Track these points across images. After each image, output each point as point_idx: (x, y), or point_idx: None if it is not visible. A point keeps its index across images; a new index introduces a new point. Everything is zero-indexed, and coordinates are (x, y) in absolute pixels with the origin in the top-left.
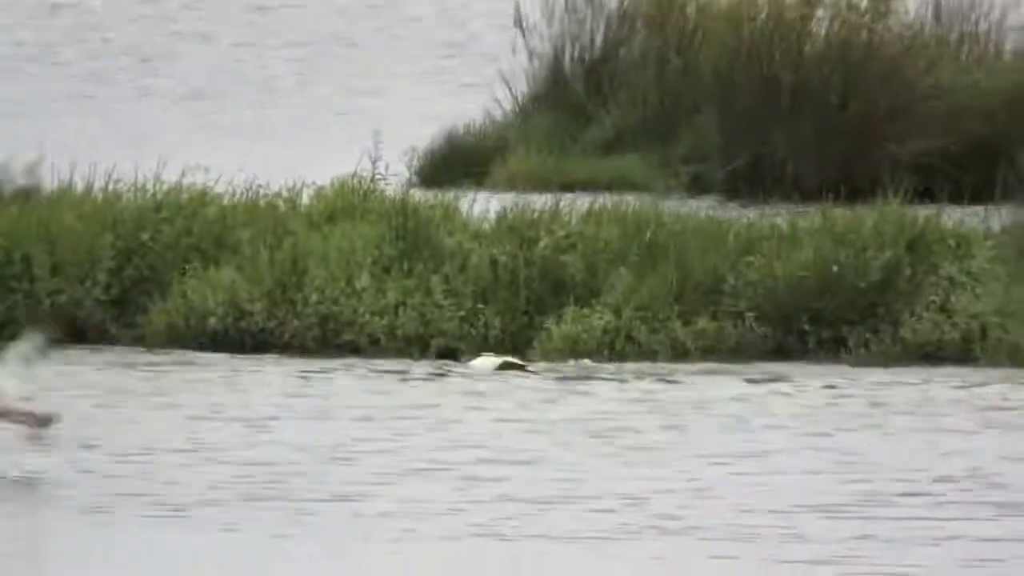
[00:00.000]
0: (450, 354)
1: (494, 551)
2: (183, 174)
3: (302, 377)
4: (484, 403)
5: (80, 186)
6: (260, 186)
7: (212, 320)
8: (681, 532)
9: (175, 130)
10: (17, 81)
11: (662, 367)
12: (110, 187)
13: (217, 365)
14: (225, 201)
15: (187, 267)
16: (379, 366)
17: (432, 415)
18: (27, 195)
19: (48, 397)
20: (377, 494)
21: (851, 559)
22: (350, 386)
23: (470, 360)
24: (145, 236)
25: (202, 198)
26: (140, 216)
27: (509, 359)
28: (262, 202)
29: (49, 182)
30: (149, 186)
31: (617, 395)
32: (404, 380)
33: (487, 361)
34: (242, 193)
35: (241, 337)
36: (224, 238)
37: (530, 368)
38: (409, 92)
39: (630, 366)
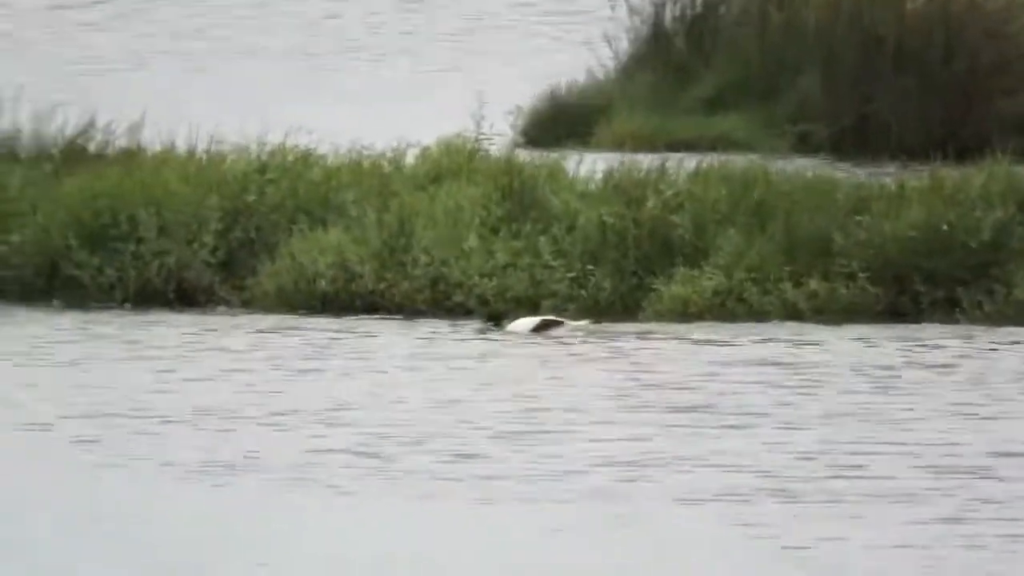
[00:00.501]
0: (496, 317)
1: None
2: (287, 135)
3: (426, 340)
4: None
5: (183, 147)
6: (364, 147)
7: (322, 282)
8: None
9: (279, 91)
10: (116, 41)
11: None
12: (213, 148)
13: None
14: (329, 162)
15: (294, 228)
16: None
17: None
18: (130, 156)
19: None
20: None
21: None
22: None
23: (510, 322)
24: (251, 198)
25: (306, 159)
26: (245, 178)
27: (547, 317)
28: (366, 163)
29: (151, 143)
30: (253, 148)
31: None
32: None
33: (525, 322)
34: (346, 154)
35: (351, 299)
36: (330, 199)
37: (568, 323)
38: (513, 51)
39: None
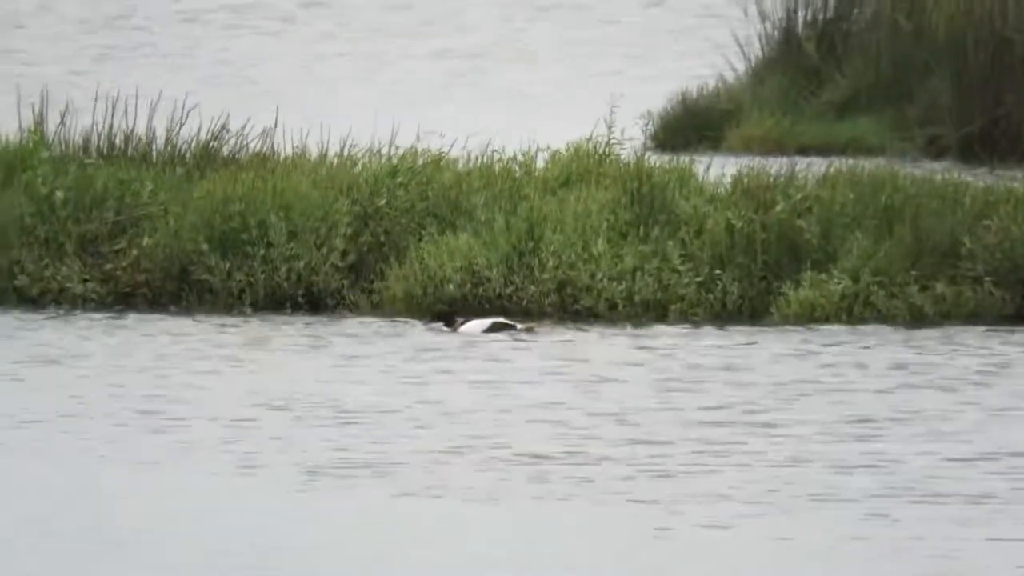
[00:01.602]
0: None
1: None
2: (418, 138)
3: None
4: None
5: (315, 151)
6: (495, 151)
7: (450, 287)
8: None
9: (411, 94)
10: (253, 42)
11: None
12: (345, 152)
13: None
14: (460, 166)
15: (423, 232)
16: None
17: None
18: (263, 160)
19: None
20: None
21: None
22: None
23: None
24: (381, 201)
25: (437, 163)
26: (375, 181)
27: (499, 320)
28: (497, 167)
29: (283, 147)
30: (384, 151)
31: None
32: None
33: (478, 323)
34: (477, 158)
35: (479, 303)
36: (459, 203)
37: (520, 326)
38: (644, 55)
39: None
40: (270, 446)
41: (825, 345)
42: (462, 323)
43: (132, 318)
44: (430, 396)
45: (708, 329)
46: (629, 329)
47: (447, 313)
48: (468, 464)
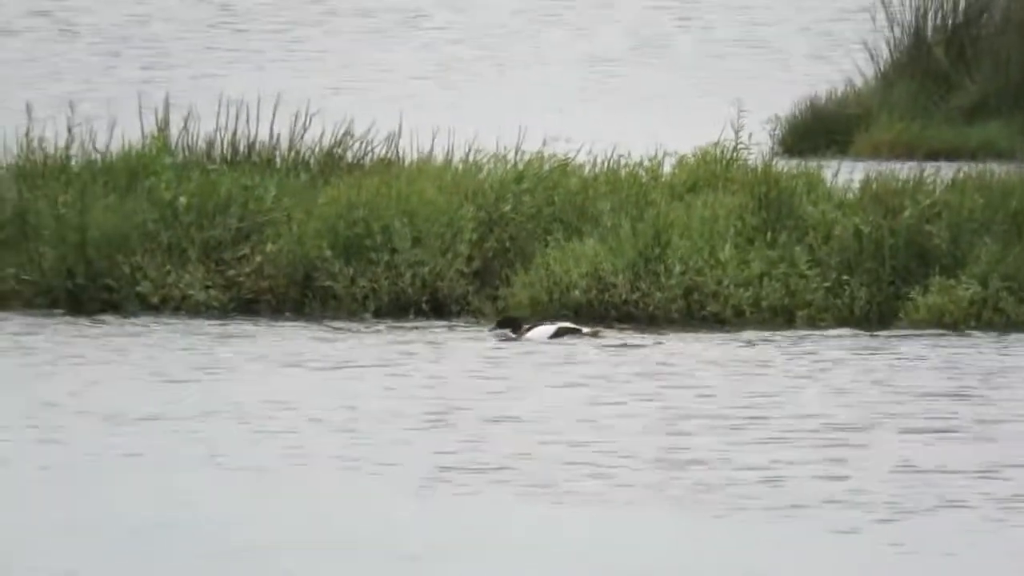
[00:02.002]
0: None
1: None
2: (544, 144)
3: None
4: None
5: (440, 156)
6: (621, 156)
7: (576, 293)
8: None
9: (539, 98)
10: (380, 45)
11: None
12: (471, 157)
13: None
14: (586, 171)
15: (549, 238)
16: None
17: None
18: (387, 166)
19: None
20: None
21: None
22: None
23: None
24: (506, 207)
25: (563, 168)
26: (501, 187)
27: (565, 324)
28: (623, 172)
29: (408, 152)
30: (510, 156)
31: None
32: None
33: (544, 329)
34: (603, 163)
35: (605, 309)
36: (586, 209)
37: (586, 331)
38: (770, 59)
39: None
40: (406, 450)
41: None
42: (527, 329)
43: (262, 323)
44: (573, 401)
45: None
46: (711, 333)
47: (512, 319)
48: (631, 472)
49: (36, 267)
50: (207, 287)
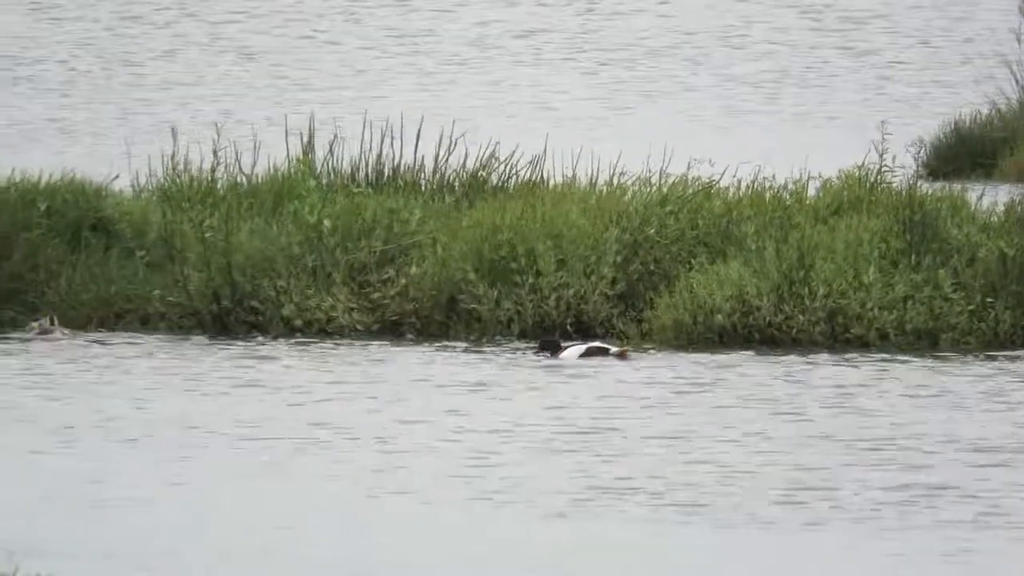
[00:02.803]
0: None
1: None
2: (688, 167)
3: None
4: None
5: (584, 179)
6: (766, 178)
7: (719, 316)
8: None
9: (681, 123)
10: (530, 66)
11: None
12: (615, 180)
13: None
14: (731, 194)
15: (693, 261)
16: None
17: None
18: (532, 189)
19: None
20: None
21: None
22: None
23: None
24: (651, 230)
25: (707, 191)
26: (646, 210)
27: (595, 344)
28: (768, 194)
29: (553, 175)
30: (654, 179)
31: None
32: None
33: (575, 349)
34: (748, 185)
35: (748, 332)
36: (730, 231)
37: (614, 350)
38: (912, 82)
39: None
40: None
41: None
42: (563, 350)
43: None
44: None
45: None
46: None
47: (552, 342)
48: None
49: (182, 289)
50: (351, 310)
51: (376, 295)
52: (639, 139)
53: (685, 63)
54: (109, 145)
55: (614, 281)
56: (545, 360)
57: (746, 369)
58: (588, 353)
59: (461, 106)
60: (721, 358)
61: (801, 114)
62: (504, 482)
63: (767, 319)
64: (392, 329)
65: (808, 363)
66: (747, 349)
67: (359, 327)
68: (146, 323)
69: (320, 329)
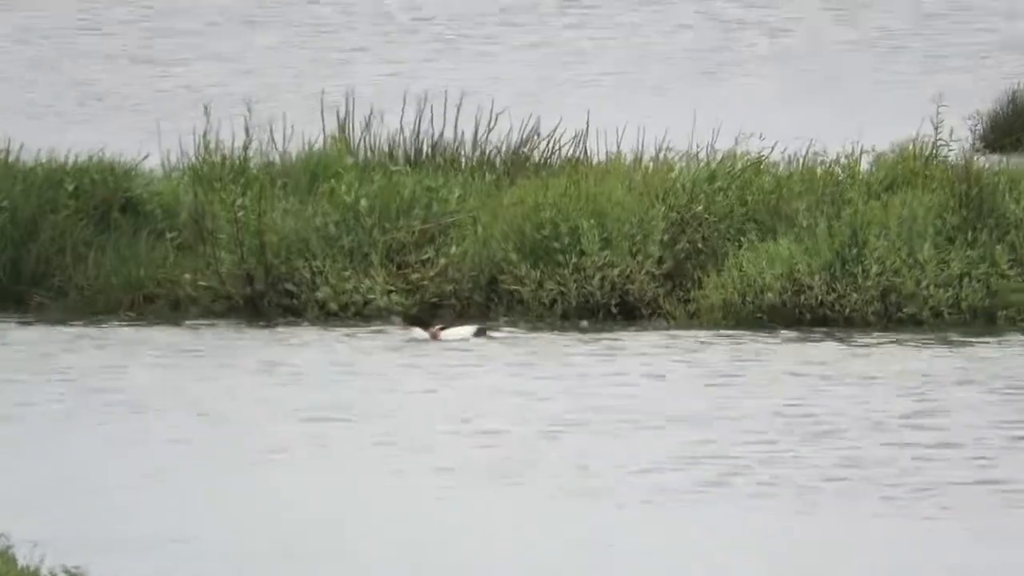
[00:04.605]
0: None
1: None
2: (736, 141)
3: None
4: None
5: (629, 155)
6: (817, 153)
7: (769, 295)
8: None
9: (729, 95)
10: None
11: None
12: (661, 156)
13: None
14: (781, 169)
15: (742, 239)
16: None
17: None
18: (575, 166)
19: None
20: None
21: None
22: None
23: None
24: (698, 207)
25: (757, 166)
26: (693, 186)
27: (481, 325)
28: (819, 170)
29: (596, 151)
30: (702, 155)
31: None
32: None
33: (462, 330)
34: (799, 160)
35: (799, 312)
36: (780, 208)
37: (493, 334)
38: (966, 52)
39: None
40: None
41: None
42: (441, 329)
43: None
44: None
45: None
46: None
47: (420, 318)
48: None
49: (213, 272)
50: (389, 291)
51: (415, 276)
52: (685, 113)
53: (731, 32)
54: (140, 122)
55: (660, 260)
56: (415, 338)
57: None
58: (480, 334)
59: (501, 81)
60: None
61: (854, 86)
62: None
63: (818, 298)
64: (431, 311)
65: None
66: (796, 328)
67: (397, 310)
68: (177, 308)
69: (356, 312)
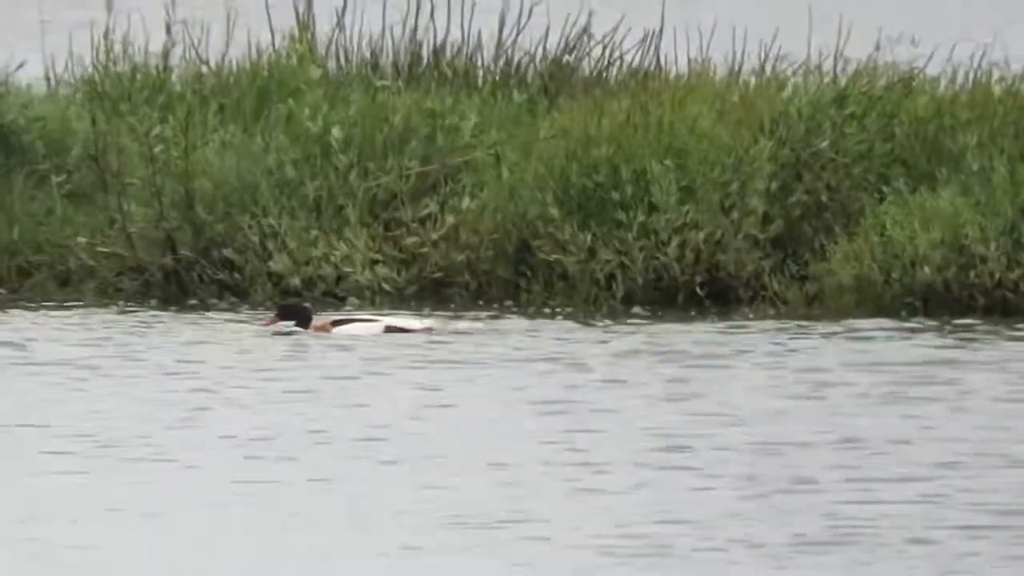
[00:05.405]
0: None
1: None
2: (877, 48)
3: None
4: None
5: (720, 67)
6: (994, 64)
7: (925, 270)
8: None
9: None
10: None
11: None
12: (766, 69)
13: None
14: (941, 88)
15: (885, 189)
16: None
17: None
18: (643, 81)
19: None
20: None
21: None
22: None
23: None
24: (821, 143)
25: (907, 85)
26: (814, 113)
27: (391, 321)
28: (996, 89)
29: (673, 60)
30: (826, 66)
31: None
32: None
33: (365, 326)
34: (966, 75)
35: (968, 294)
36: (940, 144)
37: (419, 326)
38: None
39: None
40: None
41: None
42: (335, 324)
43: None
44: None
45: None
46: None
47: (293, 308)
48: None
49: (120, 235)
50: (373, 262)
51: (410, 241)
52: (800, 7)
53: None
54: (15, 13)
55: (766, 219)
56: (289, 332)
57: None
58: (388, 331)
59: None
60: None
61: None
62: None
63: (995, 275)
64: (434, 291)
65: None
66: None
67: (387, 287)
68: (66, 284)
69: (327, 291)
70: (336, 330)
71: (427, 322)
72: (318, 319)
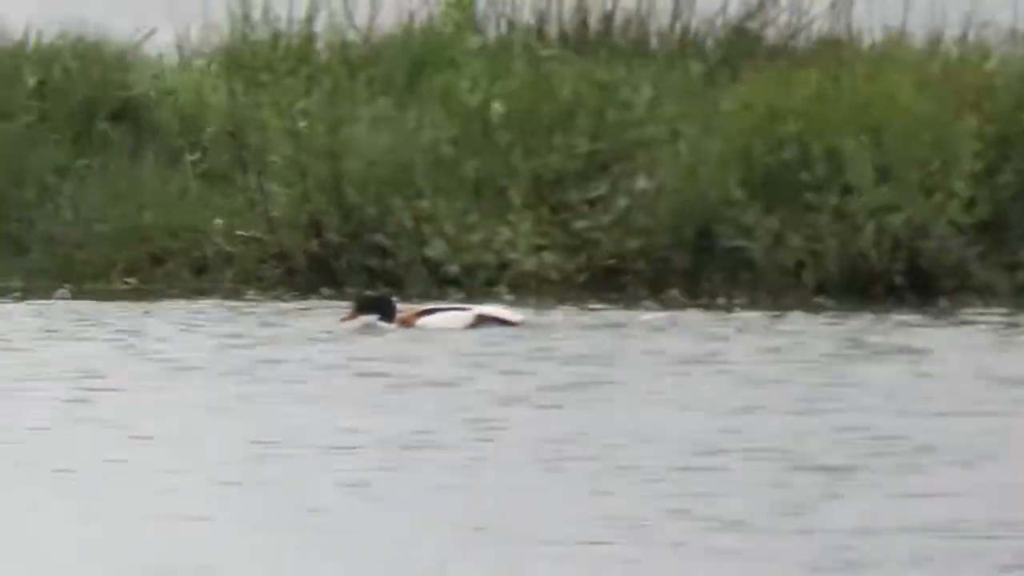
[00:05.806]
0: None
1: None
2: None
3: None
4: None
5: (920, 34)
6: None
7: None
8: None
9: None
10: None
11: None
12: (971, 35)
13: None
14: None
15: None
16: None
17: None
18: (834, 49)
19: None
20: None
21: None
22: None
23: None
24: None
25: None
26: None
27: (485, 311)
28: None
29: (868, 27)
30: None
31: None
32: None
33: (452, 316)
34: None
35: None
36: None
37: (517, 319)
38: None
39: None
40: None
41: None
42: (420, 314)
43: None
44: None
45: None
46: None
47: (377, 300)
48: None
49: (261, 218)
50: (539, 248)
51: (580, 225)
52: None
53: None
54: None
55: (970, 203)
56: (374, 328)
57: None
58: (478, 323)
59: None
60: None
61: None
62: None
63: None
64: (607, 280)
65: None
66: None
67: (551, 276)
68: (202, 272)
69: (489, 280)
70: (421, 321)
71: (519, 316)
72: (403, 311)
